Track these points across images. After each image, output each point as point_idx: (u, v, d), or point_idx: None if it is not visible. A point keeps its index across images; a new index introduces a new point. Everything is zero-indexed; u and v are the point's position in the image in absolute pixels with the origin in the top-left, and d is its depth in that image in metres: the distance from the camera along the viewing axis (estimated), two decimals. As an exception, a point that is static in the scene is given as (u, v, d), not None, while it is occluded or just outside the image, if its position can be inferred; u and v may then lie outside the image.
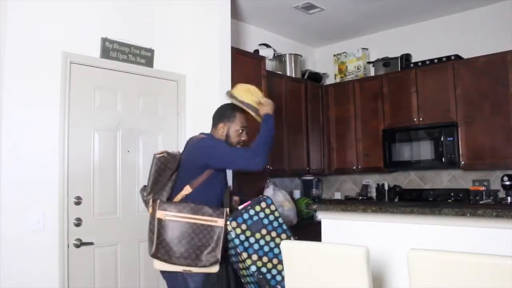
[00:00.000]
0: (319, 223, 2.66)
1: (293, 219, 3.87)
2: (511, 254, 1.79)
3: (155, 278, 3.14)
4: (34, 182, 2.68)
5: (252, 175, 3.83)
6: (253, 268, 2.20)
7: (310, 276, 1.96)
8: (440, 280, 1.62)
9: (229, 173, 3.35)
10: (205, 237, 2.16)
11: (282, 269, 2.20)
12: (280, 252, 2.22)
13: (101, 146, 3.06)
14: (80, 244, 2.85)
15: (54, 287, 2.71)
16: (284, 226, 2.32)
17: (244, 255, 2.20)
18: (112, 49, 3.13)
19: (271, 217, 2.29)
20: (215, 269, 2.20)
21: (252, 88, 2.47)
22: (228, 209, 2.25)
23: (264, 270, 2.21)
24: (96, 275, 2.94)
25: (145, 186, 2.34)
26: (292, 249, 2.03)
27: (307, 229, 4.00)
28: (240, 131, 2.42)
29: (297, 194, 4.83)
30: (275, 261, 2.24)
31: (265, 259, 2.23)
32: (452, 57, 4.23)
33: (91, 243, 2.91)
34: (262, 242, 2.24)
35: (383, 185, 4.75)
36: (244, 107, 2.41)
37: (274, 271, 2.23)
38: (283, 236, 2.28)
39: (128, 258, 3.11)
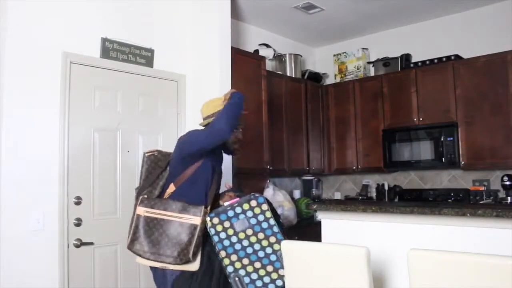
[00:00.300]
0: (319, 223, 2.66)
1: (293, 219, 3.86)
2: (511, 254, 1.79)
3: (155, 278, 3.14)
4: (34, 182, 2.68)
5: (252, 175, 3.84)
6: (230, 268, 2.12)
7: (310, 277, 1.96)
8: (440, 280, 1.62)
9: (229, 172, 3.35)
10: (180, 235, 2.12)
11: (265, 275, 2.11)
12: (265, 256, 2.13)
13: (101, 146, 3.06)
14: (80, 244, 2.85)
15: (54, 287, 2.71)
16: (275, 229, 2.14)
17: (222, 253, 2.12)
18: (112, 49, 3.13)
19: (261, 217, 2.15)
20: (192, 267, 2.13)
21: (210, 99, 2.46)
22: (208, 207, 2.19)
23: (242, 272, 2.12)
24: (96, 275, 2.94)
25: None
26: (292, 249, 2.03)
27: (307, 229, 4.00)
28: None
29: (297, 194, 4.83)
30: (257, 264, 2.12)
31: (245, 261, 2.12)
32: (452, 57, 4.23)
33: (91, 243, 2.91)
34: (245, 242, 2.13)
35: (383, 185, 4.75)
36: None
37: (254, 276, 2.12)
38: (272, 239, 2.12)
39: (128, 258, 3.09)
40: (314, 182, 4.99)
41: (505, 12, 4.19)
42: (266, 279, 2.11)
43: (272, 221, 2.15)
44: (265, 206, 2.16)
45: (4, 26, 2.64)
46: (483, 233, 2.05)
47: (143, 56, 3.33)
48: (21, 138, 2.66)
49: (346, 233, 2.52)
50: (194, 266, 2.15)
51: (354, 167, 4.82)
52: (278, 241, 2.11)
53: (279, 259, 2.10)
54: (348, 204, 2.62)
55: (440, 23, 4.65)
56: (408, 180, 4.73)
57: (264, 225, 2.14)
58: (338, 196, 5.27)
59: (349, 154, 4.87)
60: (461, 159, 4.07)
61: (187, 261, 2.12)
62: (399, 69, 4.61)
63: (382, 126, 4.59)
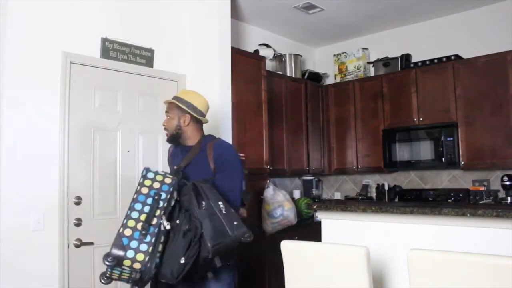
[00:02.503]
0: (319, 223, 2.66)
1: (293, 219, 3.86)
2: (511, 254, 1.79)
3: (155, 278, 3.14)
4: (34, 182, 2.68)
5: (252, 175, 3.82)
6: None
7: (310, 276, 1.97)
8: (440, 280, 1.62)
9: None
10: None
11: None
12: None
13: (101, 146, 3.06)
14: (80, 244, 2.85)
15: (54, 287, 2.71)
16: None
17: None
18: (112, 49, 3.13)
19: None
20: None
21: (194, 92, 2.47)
22: None
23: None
24: (96, 275, 2.93)
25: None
26: (292, 249, 2.04)
27: (307, 229, 4.00)
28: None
29: (297, 194, 4.83)
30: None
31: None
32: (452, 57, 4.23)
33: (91, 243, 2.91)
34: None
35: (383, 185, 4.76)
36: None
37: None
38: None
39: (128, 258, 3.10)
40: (314, 182, 4.99)
41: (505, 12, 4.19)
42: None
43: (135, 194, 2.03)
44: (147, 182, 2.06)
45: (4, 26, 2.64)
46: (483, 233, 2.05)
47: (143, 56, 3.33)
48: (21, 138, 2.65)
49: (346, 233, 2.52)
50: None
51: (354, 167, 4.82)
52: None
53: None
54: (348, 204, 2.63)
55: (440, 23, 4.65)
56: (408, 180, 4.73)
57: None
58: (338, 196, 5.27)
59: (349, 154, 4.87)
60: (461, 159, 4.07)
61: None
62: (399, 69, 4.61)
63: (382, 126, 4.59)
